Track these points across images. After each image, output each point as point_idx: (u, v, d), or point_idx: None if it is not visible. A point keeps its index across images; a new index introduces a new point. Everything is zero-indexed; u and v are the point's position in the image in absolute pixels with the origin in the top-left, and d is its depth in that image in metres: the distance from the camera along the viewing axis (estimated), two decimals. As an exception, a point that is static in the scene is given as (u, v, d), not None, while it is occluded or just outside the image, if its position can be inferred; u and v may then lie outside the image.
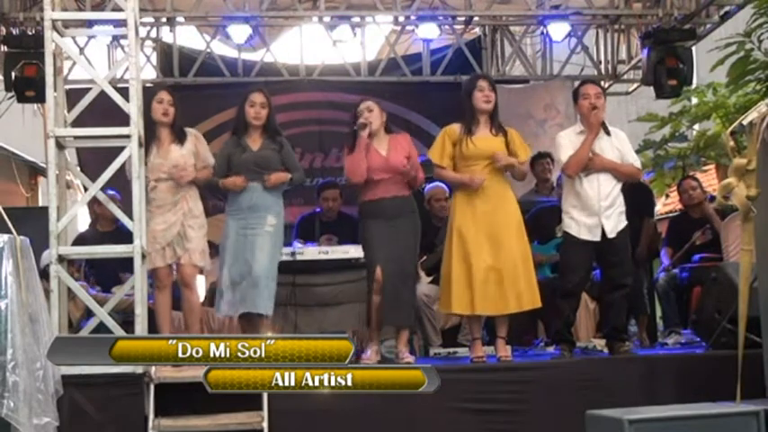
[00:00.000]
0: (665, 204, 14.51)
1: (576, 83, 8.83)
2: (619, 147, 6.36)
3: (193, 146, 6.28)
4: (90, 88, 5.97)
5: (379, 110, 6.29)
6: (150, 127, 6.19)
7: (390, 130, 6.39)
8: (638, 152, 11.01)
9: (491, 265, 6.08)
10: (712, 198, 8.10)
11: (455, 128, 6.29)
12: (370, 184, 6.23)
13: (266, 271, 6.11)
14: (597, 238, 6.23)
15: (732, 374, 5.20)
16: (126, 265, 6.10)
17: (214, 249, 6.58)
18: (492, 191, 6.17)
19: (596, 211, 6.22)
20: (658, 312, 8.19)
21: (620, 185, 6.33)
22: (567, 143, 6.32)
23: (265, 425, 5.50)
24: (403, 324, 6.26)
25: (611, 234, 6.22)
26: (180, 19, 9.48)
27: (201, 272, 6.80)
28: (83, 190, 7.84)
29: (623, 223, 6.30)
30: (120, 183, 6.26)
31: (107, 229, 7.47)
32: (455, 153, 6.23)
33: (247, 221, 6.18)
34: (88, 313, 6.12)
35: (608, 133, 6.30)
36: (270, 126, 6.32)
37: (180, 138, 6.26)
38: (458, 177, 6.22)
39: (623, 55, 10.27)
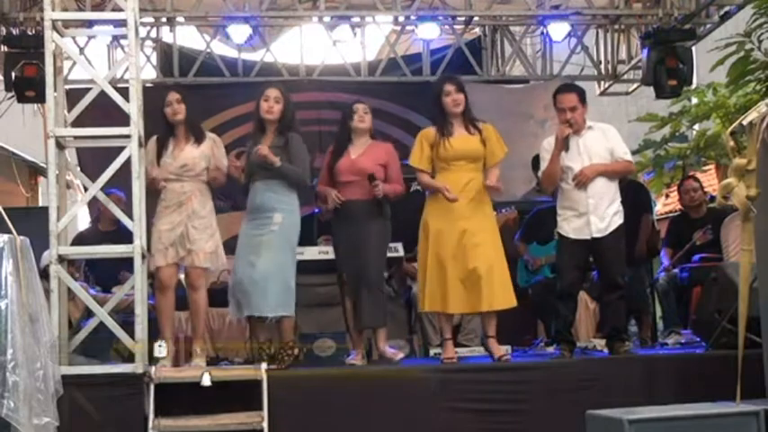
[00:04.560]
0: (665, 204, 14.50)
1: (577, 83, 8.85)
2: (606, 143, 6.35)
3: (209, 149, 6.30)
4: (90, 88, 5.97)
5: (371, 115, 6.37)
6: (168, 127, 6.25)
7: (374, 137, 6.43)
8: (637, 152, 11.09)
9: (465, 266, 6.06)
10: (712, 198, 8.10)
11: (431, 131, 6.28)
12: (338, 185, 6.29)
13: (269, 272, 6.09)
14: (587, 236, 6.23)
15: (732, 374, 5.19)
16: (126, 264, 6.11)
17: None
18: (468, 192, 6.15)
19: (585, 210, 6.23)
20: (658, 312, 8.20)
21: (613, 184, 6.32)
22: (547, 154, 6.32)
23: (265, 425, 5.50)
24: (376, 325, 6.30)
25: (600, 233, 6.21)
26: (180, 19, 9.48)
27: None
28: (83, 190, 7.84)
29: (617, 223, 6.28)
30: (126, 183, 6.25)
31: (108, 228, 7.47)
32: (433, 155, 6.22)
33: (255, 221, 6.21)
34: (88, 313, 6.12)
35: (567, 149, 6.21)
36: (284, 122, 6.30)
37: (197, 137, 6.29)
38: (435, 185, 6.20)
39: (623, 55, 10.26)
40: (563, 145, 6.22)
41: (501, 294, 6.11)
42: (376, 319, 6.28)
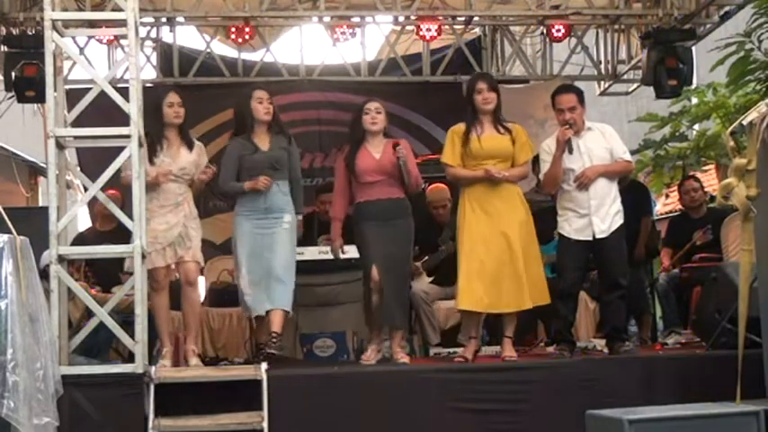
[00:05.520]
0: (665, 204, 14.52)
1: (577, 83, 8.85)
2: (606, 144, 6.35)
3: (198, 156, 6.34)
4: (90, 88, 5.97)
5: (385, 112, 6.35)
6: (159, 127, 6.24)
7: (388, 135, 6.42)
8: (637, 152, 11.09)
9: (501, 264, 6.10)
10: (712, 198, 8.10)
11: (461, 127, 6.30)
12: (363, 186, 6.27)
13: (287, 267, 6.18)
14: (589, 237, 6.23)
15: (732, 374, 5.20)
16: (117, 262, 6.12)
17: (211, 248, 6.59)
18: (501, 190, 6.18)
19: (587, 211, 6.23)
20: (658, 312, 8.20)
21: (613, 184, 6.33)
22: (547, 156, 6.32)
23: (265, 425, 5.50)
24: (397, 326, 6.29)
25: (602, 234, 6.22)
26: (180, 19, 9.47)
27: (202, 272, 6.80)
28: (83, 190, 7.84)
29: (618, 224, 6.29)
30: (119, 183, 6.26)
31: (107, 228, 7.47)
32: (463, 152, 6.24)
33: (263, 221, 6.22)
34: (88, 313, 6.12)
35: (570, 151, 6.24)
36: (277, 123, 6.36)
37: (189, 144, 6.33)
38: (473, 174, 6.20)
39: (623, 55, 10.26)
40: (564, 147, 6.22)
41: (535, 292, 6.16)
42: (398, 319, 6.27)
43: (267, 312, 6.14)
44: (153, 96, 6.46)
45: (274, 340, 6.07)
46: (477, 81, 6.39)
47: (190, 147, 6.32)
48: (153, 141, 6.19)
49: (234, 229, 6.34)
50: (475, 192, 6.23)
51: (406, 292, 6.42)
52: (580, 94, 6.41)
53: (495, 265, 6.11)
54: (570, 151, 6.24)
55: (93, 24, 8.27)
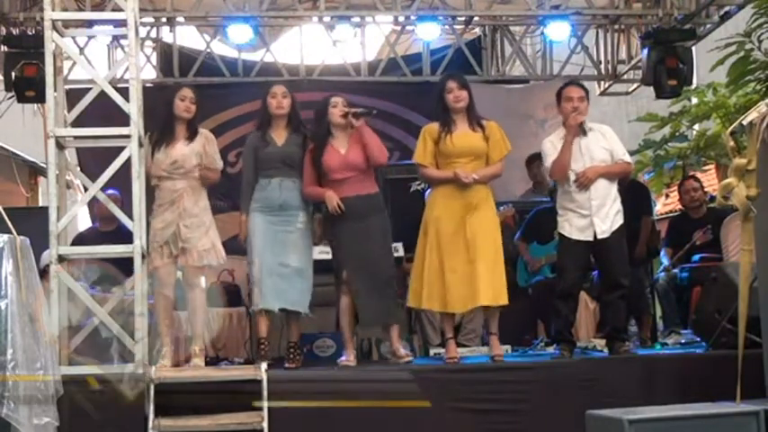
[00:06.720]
0: (665, 204, 14.51)
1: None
2: (606, 144, 6.36)
3: (201, 146, 6.27)
4: (90, 88, 5.97)
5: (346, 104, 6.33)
6: (168, 124, 6.21)
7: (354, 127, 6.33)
8: (637, 152, 11.09)
9: (464, 265, 6.07)
10: (712, 198, 8.10)
11: (434, 126, 6.29)
12: (332, 183, 6.21)
13: (300, 268, 6.20)
14: (590, 237, 6.23)
15: (732, 374, 5.20)
16: (126, 264, 6.10)
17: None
18: (469, 190, 6.16)
19: (588, 212, 6.23)
20: (658, 312, 8.20)
21: (614, 185, 6.34)
22: (551, 149, 6.32)
23: (265, 425, 5.50)
24: (388, 322, 6.27)
25: (603, 234, 6.22)
26: (180, 19, 9.48)
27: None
28: (83, 190, 7.84)
29: (618, 224, 6.29)
30: (125, 183, 6.25)
31: (107, 228, 7.47)
32: (436, 151, 6.23)
33: (279, 218, 6.23)
34: (88, 313, 6.12)
35: (585, 133, 6.26)
36: (294, 118, 6.36)
37: (190, 135, 6.27)
38: (443, 175, 6.19)
39: (623, 55, 10.27)
40: (577, 131, 6.23)
41: (495, 291, 6.09)
42: (388, 315, 6.25)
43: (284, 312, 6.21)
44: (165, 94, 6.44)
45: (292, 353, 6.16)
46: (446, 81, 6.35)
47: (190, 138, 6.25)
48: (158, 138, 6.18)
49: (249, 224, 6.30)
50: (443, 190, 6.21)
51: (392, 288, 6.30)
52: (587, 92, 6.45)
53: (448, 265, 6.07)
54: (585, 133, 6.24)
55: (93, 24, 8.26)
